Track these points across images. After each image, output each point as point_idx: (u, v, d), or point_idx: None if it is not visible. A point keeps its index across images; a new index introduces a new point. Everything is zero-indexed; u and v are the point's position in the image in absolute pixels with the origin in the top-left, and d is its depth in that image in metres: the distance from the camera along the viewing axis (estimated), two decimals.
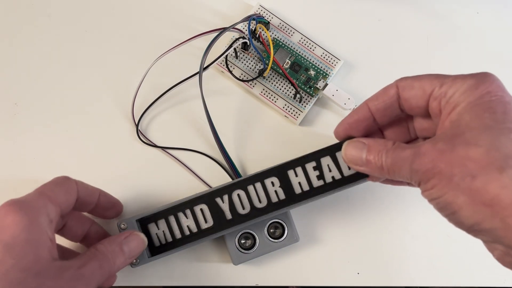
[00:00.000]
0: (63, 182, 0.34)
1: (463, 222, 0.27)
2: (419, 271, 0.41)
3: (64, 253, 0.36)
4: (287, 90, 0.42)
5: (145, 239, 0.36)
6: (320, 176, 0.36)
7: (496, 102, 0.27)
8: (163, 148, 0.42)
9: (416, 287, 0.41)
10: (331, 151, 0.36)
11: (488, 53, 0.44)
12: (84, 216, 0.37)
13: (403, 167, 0.29)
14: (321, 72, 0.42)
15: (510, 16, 0.45)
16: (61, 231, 0.36)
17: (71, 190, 0.34)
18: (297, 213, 0.40)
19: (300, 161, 0.36)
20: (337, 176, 0.36)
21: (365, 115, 0.33)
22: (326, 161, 0.36)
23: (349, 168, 0.36)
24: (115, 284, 0.40)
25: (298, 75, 0.42)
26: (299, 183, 0.36)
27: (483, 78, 0.28)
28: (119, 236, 0.35)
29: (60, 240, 0.36)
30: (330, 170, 0.36)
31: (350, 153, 0.33)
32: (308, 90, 0.41)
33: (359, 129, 0.34)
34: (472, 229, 0.27)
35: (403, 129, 0.35)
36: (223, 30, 0.39)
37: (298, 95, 0.41)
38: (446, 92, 0.29)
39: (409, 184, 0.32)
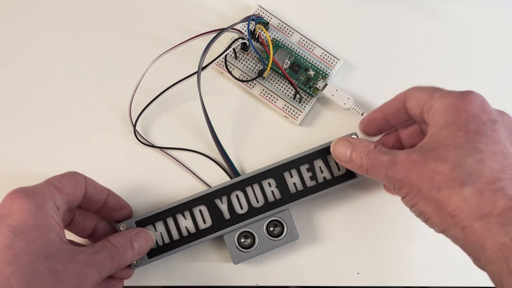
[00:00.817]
0: (71, 175, 0.35)
1: (435, 229, 0.31)
2: (419, 271, 0.41)
3: (76, 245, 0.37)
4: (287, 91, 0.42)
5: (154, 236, 0.38)
6: (313, 177, 0.39)
7: (471, 122, 0.30)
8: (160, 148, 0.42)
9: (416, 287, 0.42)
10: (323, 154, 0.39)
11: (488, 53, 0.44)
12: (91, 213, 0.38)
13: (380, 171, 0.33)
14: (321, 72, 0.42)
15: (510, 16, 0.45)
16: (68, 226, 0.37)
17: (79, 183, 0.35)
18: (297, 213, 0.41)
19: (295, 163, 0.39)
20: (328, 177, 0.39)
21: (379, 116, 0.37)
22: (318, 163, 0.39)
23: (339, 170, 0.39)
24: None
25: (297, 75, 0.42)
26: (294, 183, 0.39)
27: (465, 97, 0.31)
28: (129, 231, 0.36)
29: (68, 236, 0.37)
30: (322, 171, 0.39)
31: (338, 149, 0.37)
32: (307, 90, 0.42)
33: (374, 126, 0.38)
34: (445, 235, 0.30)
35: (417, 131, 0.38)
36: (222, 30, 0.39)
37: (297, 95, 0.41)
38: (432, 106, 0.32)
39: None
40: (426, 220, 0.31)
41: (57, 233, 0.31)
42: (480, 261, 0.29)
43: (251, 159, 0.42)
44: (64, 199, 0.33)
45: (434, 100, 0.32)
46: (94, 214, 0.38)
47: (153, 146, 0.42)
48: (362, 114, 0.41)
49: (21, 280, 0.28)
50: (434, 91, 0.33)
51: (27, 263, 0.29)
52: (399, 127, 0.39)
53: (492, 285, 0.40)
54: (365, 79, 0.44)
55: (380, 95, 0.43)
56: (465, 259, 0.40)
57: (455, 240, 0.30)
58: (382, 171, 0.33)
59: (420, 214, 0.31)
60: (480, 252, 0.28)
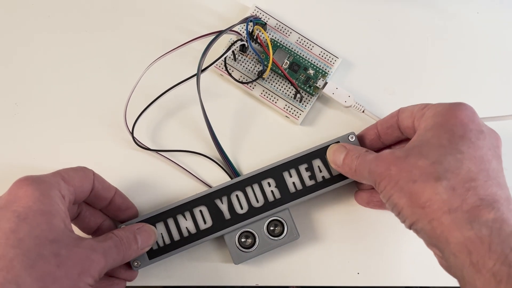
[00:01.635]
0: (80, 169, 0.36)
1: (406, 221, 0.32)
2: (419, 271, 0.42)
3: None
4: (287, 91, 0.43)
5: (156, 231, 0.38)
6: (312, 176, 0.40)
7: (458, 127, 0.33)
8: (158, 151, 0.43)
9: (416, 287, 0.42)
10: (321, 154, 0.40)
11: (488, 53, 0.45)
12: (98, 210, 0.39)
13: (365, 169, 0.35)
14: (320, 71, 0.43)
15: (510, 16, 0.46)
16: (74, 220, 0.38)
17: (87, 178, 0.36)
18: (297, 213, 0.42)
19: (294, 163, 0.40)
20: (327, 176, 0.40)
21: (372, 132, 0.40)
22: (316, 162, 0.40)
23: None
24: None
25: (297, 74, 0.42)
26: (293, 183, 0.40)
27: (456, 106, 0.34)
28: (132, 226, 0.37)
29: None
30: (320, 171, 0.40)
31: (333, 154, 0.39)
32: (308, 90, 0.42)
33: (365, 142, 0.41)
34: (413, 229, 0.32)
35: None
36: (220, 32, 0.40)
37: (298, 95, 0.42)
38: (425, 113, 0.35)
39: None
40: (398, 213, 0.33)
41: (62, 219, 0.32)
42: (444, 254, 0.31)
43: (253, 160, 0.43)
44: (70, 189, 0.34)
45: (426, 109, 0.35)
46: (101, 212, 0.39)
47: (151, 150, 0.43)
48: (363, 111, 0.42)
49: (24, 262, 0.29)
50: (427, 104, 0.36)
51: (30, 247, 0.30)
52: (392, 145, 0.40)
53: None
54: (365, 76, 0.44)
55: (380, 92, 0.44)
56: None
57: (423, 232, 0.31)
58: (367, 167, 0.35)
59: (394, 207, 0.33)
60: (444, 245, 0.30)
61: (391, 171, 0.32)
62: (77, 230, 0.39)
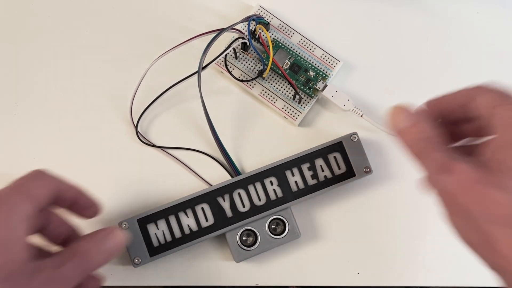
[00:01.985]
0: (39, 175, 0.33)
1: (484, 263, 0.28)
2: (419, 271, 0.42)
3: (41, 254, 0.35)
4: (287, 91, 0.43)
5: (126, 236, 0.35)
6: (314, 176, 0.40)
7: None
8: (162, 148, 0.43)
9: (416, 287, 0.42)
10: (324, 153, 0.41)
11: (488, 53, 0.45)
12: (66, 220, 0.37)
13: (425, 164, 0.29)
14: (321, 73, 0.43)
15: (510, 16, 0.46)
16: (41, 232, 0.35)
17: (47, 183, 0.33)
18: (298, 212, 0.42)
19: (296, 162, 0.40)
20: (329, 175, 0.40)
21: (448, 101, 0.32)
22: (319, 162, 0.41)
23: (339, 169, 0.40)
24: (114, 284, 0.40)
25: (297, 76, 0.43)
26: (296, 182, 0.40)
27: None
28: (98, 232, 0.34)
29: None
30: (323, 170, 0.40)
31: (396, 115, 0.31)
32: (307, 91, 0.42)
33: (438, 108, 0.32)
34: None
35: (482, 126, 0.31)
36: (222, 30, 0.40)
37: (297, 96, 0.42)
38: (502, 115, 0.28)
39: None
40: (474, 250, 0.28)
41: (21, 249, 0.30)
42: None
43: (250, 159, 0.43)
44: (33, 205, 0.32)
45: (503, 108, 0.28)
46: (68, 222, 0.37)
47: (155, 146, 0.43)
48: (361, 116, 0.42)
49: None
50: (505, 98, 0.28)
51: None
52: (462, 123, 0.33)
53: (490, 285, 0.41)
54: (365, 80, 0.44)
55: (380, 96, 0.44)
56: (464, 260, 0.41)
57: (502, 282, 0.27)
58: (428, 167, 0.29)
59: (466, 242, 0.28)
60: None
61: (463, 197, 0.27)
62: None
